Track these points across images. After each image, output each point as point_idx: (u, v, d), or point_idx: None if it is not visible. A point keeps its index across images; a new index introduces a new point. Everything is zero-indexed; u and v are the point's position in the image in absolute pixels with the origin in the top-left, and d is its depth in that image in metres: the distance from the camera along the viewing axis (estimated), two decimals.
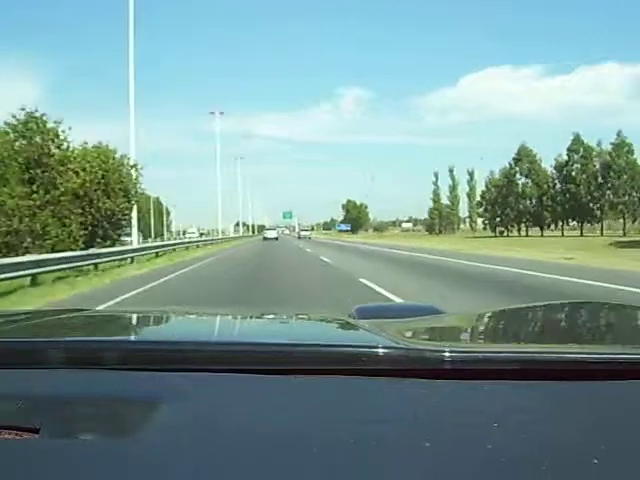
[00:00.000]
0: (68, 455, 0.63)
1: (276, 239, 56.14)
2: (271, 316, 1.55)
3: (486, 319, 1.37)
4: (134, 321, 1.53)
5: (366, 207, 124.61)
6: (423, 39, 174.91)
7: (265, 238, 57.30)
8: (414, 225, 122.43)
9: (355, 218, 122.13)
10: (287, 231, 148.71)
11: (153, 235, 67.41)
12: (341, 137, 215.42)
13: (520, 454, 0.61)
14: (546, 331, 1.26)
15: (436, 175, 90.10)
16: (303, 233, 75.55)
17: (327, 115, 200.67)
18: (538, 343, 1.08)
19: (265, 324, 1.44)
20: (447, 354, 0.79)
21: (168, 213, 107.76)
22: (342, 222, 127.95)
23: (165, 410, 0.70)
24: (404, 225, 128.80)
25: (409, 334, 1.03)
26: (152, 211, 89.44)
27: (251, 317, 1.51)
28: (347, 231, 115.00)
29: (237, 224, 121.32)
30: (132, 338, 1.12)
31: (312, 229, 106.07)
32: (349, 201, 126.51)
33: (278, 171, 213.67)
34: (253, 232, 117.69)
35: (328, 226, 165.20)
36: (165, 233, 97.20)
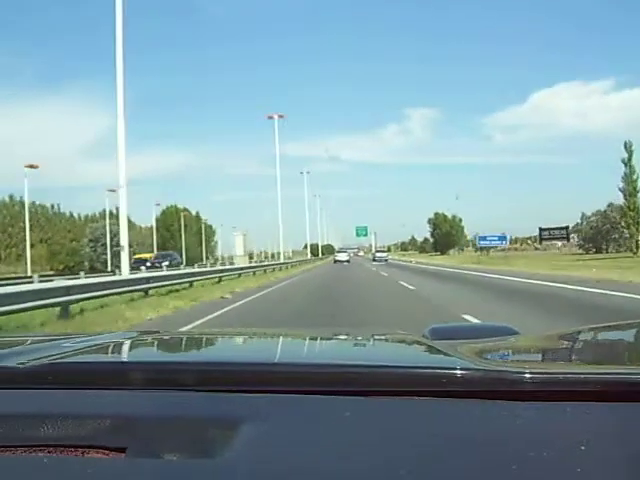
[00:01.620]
0: (153, 475, 0.67)
1: (348, 262, 57.85)
2: (347, 337, 1.61)
3: (564, 339, 1.39)
4: (214, 342, 1.61)
5: (460, 220, 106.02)
6: (490, 56, 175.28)
7: (336, 261, 59.49)
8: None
9: (445, 234, 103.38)
10: (361, 252, 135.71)
11: (185, 261, 53.28)
12: (410, 158, 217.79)
13: (605, 477, 0.61)
14: (627, 351, 1.25)
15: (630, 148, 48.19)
16: (379, 255, 70.17)
17: (396, 136, 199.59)
18: (619, 364, 1.09)
19: (341, 345, 1.50)
20: (527, 375, 0.79)
21: (213, 233, 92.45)
22: (433, 240, 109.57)
23: (246, 431, 0.73)
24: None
25: (486, 355, 1.05)
26: (182, 227, 74.65)
27: (327, 338, 1.58)
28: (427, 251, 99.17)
29: (305, 247, 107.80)
30: (213, 359, 1.14)
31: (388, 250, 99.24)
32: (437, 214, 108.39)
33: (348, 194, 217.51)
34: (318, 254, 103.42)
35: (405, 246, 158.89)
36: (205, 257, 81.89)
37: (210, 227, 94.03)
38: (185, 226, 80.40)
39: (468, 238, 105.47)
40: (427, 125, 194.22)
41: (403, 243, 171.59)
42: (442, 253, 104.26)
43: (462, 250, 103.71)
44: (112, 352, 1.27)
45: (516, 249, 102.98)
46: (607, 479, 0.61)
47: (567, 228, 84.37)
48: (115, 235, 70.09)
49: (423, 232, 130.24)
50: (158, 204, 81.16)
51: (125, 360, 1.19)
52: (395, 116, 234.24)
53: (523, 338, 1.36)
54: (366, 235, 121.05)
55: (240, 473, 0.66)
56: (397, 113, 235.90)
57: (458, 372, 0.82)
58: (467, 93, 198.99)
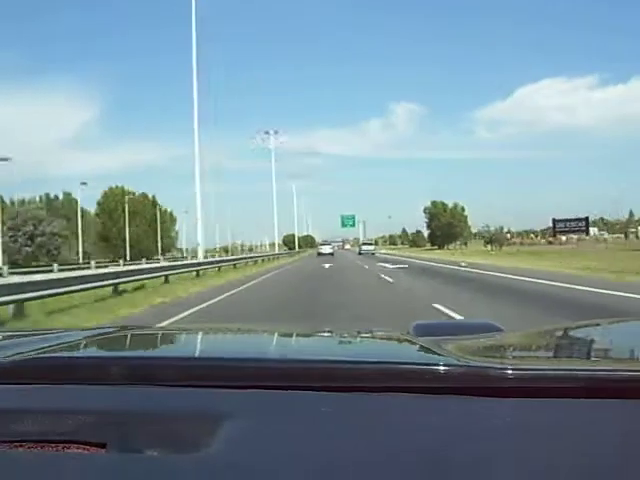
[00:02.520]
0: (134, 470, 0.68)
1: (332, 254, 57.86)
2: (330, 333, 1.63)
3: (547, 336, 1.42)
4: (195, 338, 1.63)
5: (463, 209, 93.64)
6: (475, 52, 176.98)
7: (319, 254, 58.70)
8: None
9: (445, 225, 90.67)
10: (348, 245, 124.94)
11: (128, 256, 41.01)
12: (395, 153, 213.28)
13: (588, 473, 0.63)
14: (610, 348, 1.26)
15: None
16: (365, 248, 66.44)
17: (380, 131, 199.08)
18: (601, 361, 1.11)
19: (325, 341, 1.52)
20: (510, 372, 0.81)
21: (172, 221, 78.60)
22: (430, 230, 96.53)
23: (227, 426, 0.74)
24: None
25: (470, 351, 1.07)
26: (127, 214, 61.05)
27: (311, 334, 1.61)
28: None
29: (288, 239, 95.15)
30: (194, 355, 1.17)
31: (375, 243, 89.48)
32: (435, 203, 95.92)
33: (332, 188, 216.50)
34: (293, 247, 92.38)
35: (394, 239, 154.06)
36: (160, 251, 67.27)
37: (170, 215, 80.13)
38: (134, 212, 66.69)
39: (473, 230, 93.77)
40: (411, 120, 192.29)
41: (392, 236, 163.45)
42: (440, 247, 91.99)
43: (465, 244, 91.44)
44: (93, 347, 1.29)
45: (521, 243, 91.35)
46: (587, 474, 0.63)
47: (587, 220, 73.58)
48: (40, 222, 57.98)
49: (413, 225, 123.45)
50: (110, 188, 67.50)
51: (106, 355, 1.21)
52: (379, 111, 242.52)
53: (507, 335, 1.39)
54: (353, 225, 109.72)
55: (222, 468, 0.67)
56: (381, 107, 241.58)
57: (441, 368, 0.84)
58: (451, 88, 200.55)
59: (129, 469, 0.68)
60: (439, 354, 0.96)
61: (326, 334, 1.62)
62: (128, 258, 54.07)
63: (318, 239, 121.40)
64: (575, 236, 76.47)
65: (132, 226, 65.71)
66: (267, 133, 66.68)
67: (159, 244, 69.89)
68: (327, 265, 30.49)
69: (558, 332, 1.46)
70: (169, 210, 79.95)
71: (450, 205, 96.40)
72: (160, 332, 1.92)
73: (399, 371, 0.86)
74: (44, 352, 1.05)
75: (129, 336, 1.52)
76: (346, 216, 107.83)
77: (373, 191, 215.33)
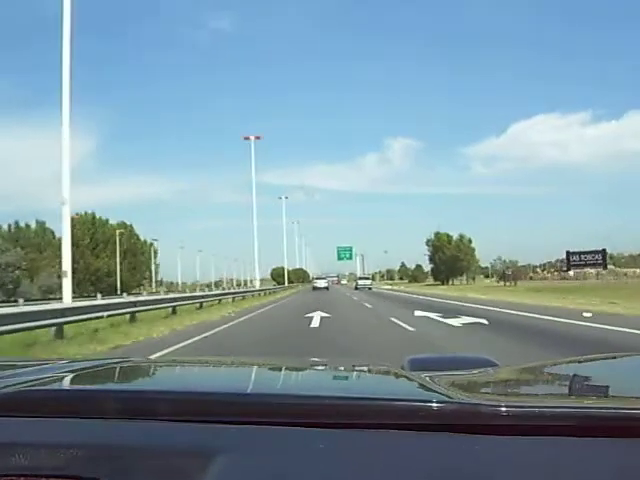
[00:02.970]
0: None
1: (327, 288, 59.20)
2: (324, 367, 1.66)
3: (543, 372, 1.41)
4: (191, 371, 1.64)
5: (470, 242, 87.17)
6: (469, 87, 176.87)
7: (315, 288, 60.01)
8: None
9: (450, 259, 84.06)
10: (344, 280, 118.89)
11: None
12: (390, 188, 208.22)
13: None
14: (606, 385, 1.23)
15: None
16: (362, 283, 64.35)
17: (377, 166, 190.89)
18: (598, 398, 1.09)
19: (318, 376, 1.52)
20: (503, 409, 0.81)
21: (155, 254, 72.39)
22: (433, 264, 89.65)
23: (220, 462, 0.74)
24: None
25: (463, 387, 1.07)
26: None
27: (304, 368, 1.60)
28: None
29: (279, 274, 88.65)
30: (192, 389, 1.14)
31: (372, 278, 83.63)
32: (439, 234, 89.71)
33: (328, 222, 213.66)
34: (283, 281, 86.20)
35: (392, 274, 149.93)
36: (148, 285, 60.82)
37: (150, 245, 73.74)
38: (105, 242, 60.35)
39: (480, 264, 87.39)
40: (407, 155, 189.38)
41: (389, 271, 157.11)
42: (443, 282, 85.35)
43: (473, 279, 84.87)
44: (86, 380, 1.27)
45: (531, 278, 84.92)
46: None
47: (604, 252, 67.57)
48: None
49: (410, 261, 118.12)
50: (77, 214, 60.97)
51: (100, 389, 1.19)
52: (375, 146, 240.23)
53: (502, 370, 1.38)
54: (351, 258, 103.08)
55: None
56: (377, 143, 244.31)
57: (434, 405, 0.83)
58: (447, 123, 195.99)
59: None
60: (432, 390, 0.95)
61: (319, 367, 1.64)
62: (99, 293, 48.42)
63: (312, 273, 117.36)
64: (593, 270, 70.80)
65: (102, 257, 59.41)
66: (247, 139, 54.57)
67: (117, 276, 63.49)
68: (317, 315, 17.34)
69: (553, 368, 1.45)
70: (149, 241, 73.68)
71: (455, 237, 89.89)
72: (155, 365, 1.92)
73: (392, 408, 0.85)
74: (37, 384, 1.05)
75: (124, 368, 1.49)
76: (343, 248, 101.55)
77: (369, 226, 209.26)
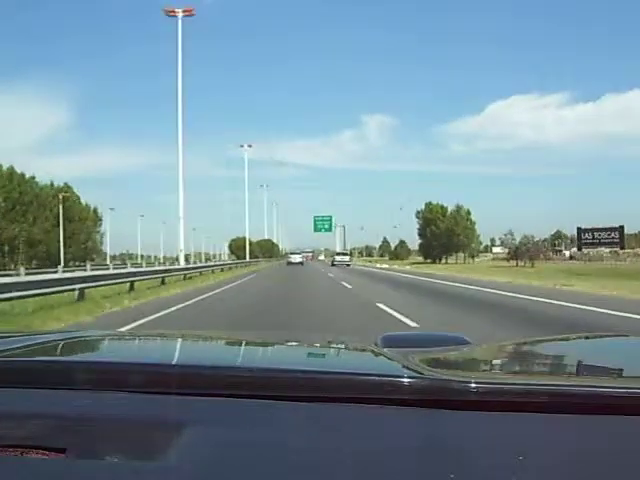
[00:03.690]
0: (93, 476, 0.69)
1: (301, 264, 57.82)
2: (297, 342, 1.69)
3: (514, 350, 1.45)
4: (159, 344, 1.65)
5: (469, 213, 77.32)
6: (448, 67, 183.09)
7: (289, 263, 59.43)
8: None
9: (445, 233, 74.43)
10: (321, 256, 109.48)
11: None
12: (366, 164, 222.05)
13: None
14: (575, 364, 1.27)
15: None
16: (339, 259, 60.19)
17: (353, 142, 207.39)
18: (566, 375, 1.14)
19: (292, 351, 1.54)
20: (473, 385, 0.83)
21: (98, 220, 61.20)
22: (423, 240, 79.25)
23: (188, 434, 0.75)
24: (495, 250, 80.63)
25: (435, 364, 1.08)
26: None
27: (277, 343, 1.63)
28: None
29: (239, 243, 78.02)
30: (159, 361, 1.15)
31: (350, 254, 75.38)
32: (430, 205, 79.85)
33: (305, 198, 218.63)
34: (244, 255, 74.60)
35: (370, 251, 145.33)
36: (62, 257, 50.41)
37: (94, 212, 62.70)
38: (30, 204, 49.37)
39: (481, 240, 77.50)
40: (383, 132, 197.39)
41: (367, 247, 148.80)
42: (434, 261, 75.53)
43: (473, 257, 74.89)
44: (54, 351, 1.27)
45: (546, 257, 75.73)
46: None
47: (621, 229, 58.25)
48: None
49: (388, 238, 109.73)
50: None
51: (66, 359, 1.20)
52: (351, 122, 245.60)
53: (475, 348, 1.40)
54: (330, 230, 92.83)
55: (182, 476, 0.68)
56: (353, 119, 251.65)
57: (405, 380, 0.84)
58: (424, 102, 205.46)
59: (88, 475, 0.68)
60: (403, 366, 0.96)
61: (292, 343, 1.67)
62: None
63: (286, 248, 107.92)
64: (607, 250, 62.15)
65: (20, 222, 48.41)
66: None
67: (62, 247, 52.71)
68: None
69: (526, 346, 1.49)
70: (92, 206, 62.62)
71: (451, 208, 79.61)
72: (124, 337, 1.91)
73: (362, 382, 0.87)
74: (5, 355, 1.06)
75: (91, 340, 1.50)
76: (320, 218, 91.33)
77: (346, 201, 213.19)
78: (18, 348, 1.17)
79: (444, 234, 75.90)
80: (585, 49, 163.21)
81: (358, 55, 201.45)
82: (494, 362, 1.29)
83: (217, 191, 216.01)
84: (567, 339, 1.63)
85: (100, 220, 64.25)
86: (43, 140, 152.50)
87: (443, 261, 76.95)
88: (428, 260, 77.93)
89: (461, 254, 78.37)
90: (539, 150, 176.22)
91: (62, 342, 1.35)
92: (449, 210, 79.17)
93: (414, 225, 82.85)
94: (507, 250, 57.79)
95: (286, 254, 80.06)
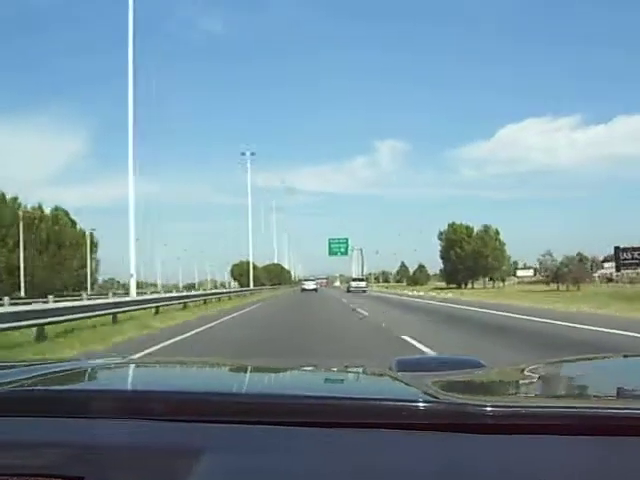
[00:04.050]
0: None
1: (315, 290, 56.94)
2: (312, 368, 1.68)
3: (529, 373, 1.43)
4: (179, 371, 1.67)
5: (497, 234, 71.19)
6: (459, 90, 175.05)
7: (303, 289, 57.99)
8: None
9: (471, 255, 68.67)
10: (337, 282, 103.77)
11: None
12: (380, 190, 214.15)
13: None
14: (591, 385, 1.25)
15: None
16: (355, 285, 57.28)
17: (365, 168, 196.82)
18: (581, 398, 1.13)
19: (305, 376, 1.54)
20: (489, 408, 0.83)
21: (94, 247, 55.90)
22: (447, 263, 73.42)
23: (206, 461, 0.76)
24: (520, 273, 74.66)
25: (450, 388, 1.09)
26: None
27: (292, 369, 1.63)
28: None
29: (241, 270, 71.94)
30: (177, 389, 1.15)
31: (366, 279, 71.51)
32: (454, 226, 74.30)
33: (317, 224, 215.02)
34: (247, 283, 67.55)
35: (386, 276, 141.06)
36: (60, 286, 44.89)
37: (90, 238, 57.59)
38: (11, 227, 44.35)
39: (510, 262, 71.25)
40: (395, 157, 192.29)
41: (384, 272, 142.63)
42: (459, 285, 69.57)
43: (503, 281, 68.77)
44: (70, 379, 1.28)
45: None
46: None
47: None
48: None
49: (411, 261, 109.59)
50: None
51: (82, 388, 1.21)
52: (363, 148, 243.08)
53: (489, 371, 1.41)
54: (345, 253, 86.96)
55: None
56: (365, 145, 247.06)
57: (420, 404, 0.85)
58: (436, 126, 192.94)
59: None
60: (418, 390, 0.96)
61: (307, 368, 1.64)
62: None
63: (298, 274, 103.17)
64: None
65: (4, 248, 43.34)
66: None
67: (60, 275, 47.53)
68: None
69: (540, 369, 1.46)
70: (87, 231, 57.40)
71: (477, 228, 73.36)
72: (141, 365, 1.92)
73: (379, 407, 0.87)
74: (24, 384, 1.07)
75: (109, 368, 1.53)
76: (336, 240, 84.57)
77: (358, 227, 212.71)
78: (34, 377, 1.16)
79: (470, 256, 69.91)
80: (597, 71, 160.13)
81: (368, 79, 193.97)
82: (510, 385, 1.31)
83: (221, 218, 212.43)
84: (582, 360, 1.62)
85: (95, 246, 58.93)
86: (58, 170, 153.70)
87: (469, 286, 71.09)
88: (452, 285, 72.02)
89: (486, 278, 72.39)
90: (551, 174, 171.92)
91: (77, 370, 1.37)
92: (475, 230, 73.17)
93: (431, 248, 77.15)
94: (542, 272, 51.55)
95: (299, 281, 77.68)
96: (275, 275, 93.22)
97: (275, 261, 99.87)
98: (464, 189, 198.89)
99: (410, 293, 49.33)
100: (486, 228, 72.33)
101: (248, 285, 63.19)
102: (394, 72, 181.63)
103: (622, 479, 0.70)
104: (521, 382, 1.33)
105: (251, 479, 0.73)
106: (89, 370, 1.42)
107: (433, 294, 43.05)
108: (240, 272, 79.93)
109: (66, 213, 55.39)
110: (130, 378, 1.46)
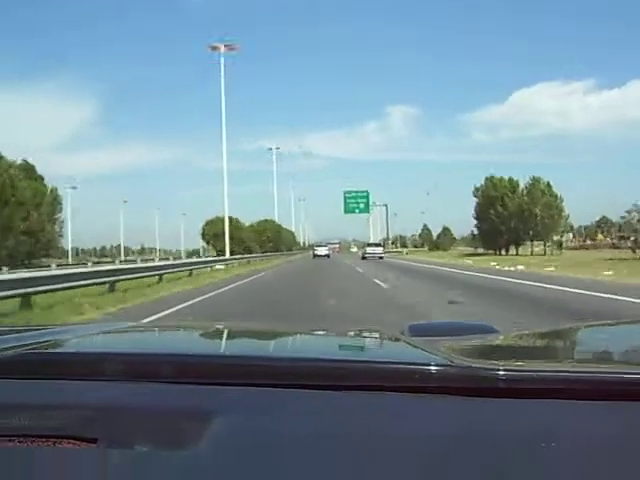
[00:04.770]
0: (124, 465, 0.71)
1: (328, 256, 55.06)
2: (324, 332, 1.70)
3: (542, 338, 1.46)
4: (190, 334, 1.70)
5: (549, 186, 59.39)
6: (471, 57, 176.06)
7: (315, 255, 56.68)
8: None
9: (516, 215, 58.22)
10: (354, 248, 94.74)
11: None
12: (390, 155, 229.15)
13: (579, 475, 0.65)
14: (604, 351, 1.29)
15: None
16: (370, 250, 53.14)
17: (377, 133, 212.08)
18: (593, 363, 1.13)
19: (318, 340, 1.57)
20: (501, 372, 0.83)
21: (57, 202, 45.60)
22: (482, 225, 62.58)
23: (218, 423, 0.77)
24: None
25: (463, 352, 1.09)
26: None
27: (303, 333, 1.63)
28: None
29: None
30: (189, 351, 1.18)
31: (382, 245, 68.54)
32: (494, 179, 63.50)
33: (327, 188, 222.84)
34: (222, 249, 48.52)
35: (404, 241, 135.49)
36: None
37: (52, 194, 47.44)
38: None
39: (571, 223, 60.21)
40: (407, 122, 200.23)
41: (402, 237, 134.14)
42: (497, 251, 59.10)
43: (560, 246, 57.78)
44: (85, 343, 1.32)
45: (583, 247, 58.80)
46: (574, 476, 0.65)
47: None
48: None
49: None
50: None
51: (97, 351, 1.22)
52: (375, 114, 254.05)
53: (502, 336, 1.42)
54: (366, 210, 74.45)
55: (212, 465, 0.70)
56: (377, 111, 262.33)
57: (432, 368, 0.85)
58: (448, 91, 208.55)
59: (119, 464, 0.70)
60: (430, 354, 0.97)
61: (319, 332, 1.67)
62: None
63: (308, 239, 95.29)
64: None
65: None
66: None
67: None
68: None
69: (553, 334, 1.49)
70: (50, 186, 47.20)
71: (523, 182, 61.02)
72: (151, 329, 1.96)
73: (390, 370, 0.88)
74: (37, 348, 1.08)
75: (122, 332, 1.58)
76: (353, 194, 70.81)
77: (372, 190, 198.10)
78: (48, 341, 1.19)
79: (515, 215, 58.56)
80: (610, 37, 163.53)
81: (381, 47, 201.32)
82: (522, 350, 1.31)
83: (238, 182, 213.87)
84: (595, 326, 1.62)
85: (60, 204, 48.55)
86: (68, 137, 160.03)
87: (511, 252, 60.55)
88: (490, 251, 61.51)
89: (533, 242, 60.68)
90: (565, 138, 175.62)
91: (91, 334, 1.41)
92: (521, 185, 61.31)
93: (454, 211, 66.21)
94: (626, 233, 39.20)
95: (310, 246, 72.34)
96: (272, 238, 70.36)
97: (292, 229, 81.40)
98: (476, 154, 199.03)
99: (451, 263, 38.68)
100: (535, 180, 59.55)
101: (223, 252, 45.31)
102: (407, 41, 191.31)
103: (634, 444, 0.70)
104: (534, 347, 1.36)
105: (262, 441, 0.74)
106: (101, 334, 1.45)
107: (495, 265, 32.71)
108: (215, 232, 57.87)
109: (32, 167, 45.43)
110: (142, 341, 1.49)
